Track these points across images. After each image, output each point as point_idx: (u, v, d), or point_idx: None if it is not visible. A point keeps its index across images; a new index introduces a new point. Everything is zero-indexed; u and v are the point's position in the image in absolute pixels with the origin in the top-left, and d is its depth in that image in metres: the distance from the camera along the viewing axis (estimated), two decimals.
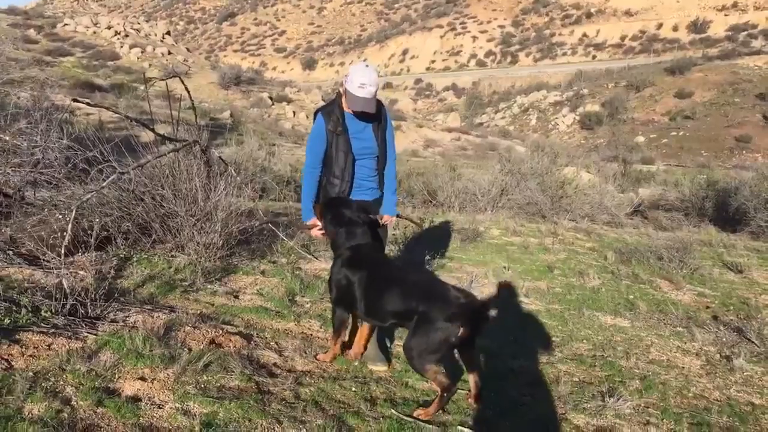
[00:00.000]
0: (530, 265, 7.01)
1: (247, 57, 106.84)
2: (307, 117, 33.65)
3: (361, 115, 3.84)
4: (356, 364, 3.94)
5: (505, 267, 6.69)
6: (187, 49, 47.88)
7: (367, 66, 3.79)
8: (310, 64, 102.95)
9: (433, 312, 3.27)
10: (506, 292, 5.84)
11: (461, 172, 13.86)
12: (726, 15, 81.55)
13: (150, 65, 35.47)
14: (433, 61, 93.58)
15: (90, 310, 3.92)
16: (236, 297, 4.82)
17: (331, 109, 3.88)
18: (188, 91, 6.56)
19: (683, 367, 4.36)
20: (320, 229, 3.93)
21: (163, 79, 7.09)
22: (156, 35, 43.90)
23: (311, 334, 4.34)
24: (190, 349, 3.67)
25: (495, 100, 66.33)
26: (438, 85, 79.32)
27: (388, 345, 4.34)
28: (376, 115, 3.89)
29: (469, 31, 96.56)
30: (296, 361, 3.86)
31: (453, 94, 75.50)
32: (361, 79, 3.68)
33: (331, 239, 3.91)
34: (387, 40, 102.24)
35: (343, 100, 3.87)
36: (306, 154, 3.94)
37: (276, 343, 4.09)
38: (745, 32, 73.93)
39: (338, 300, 3.77)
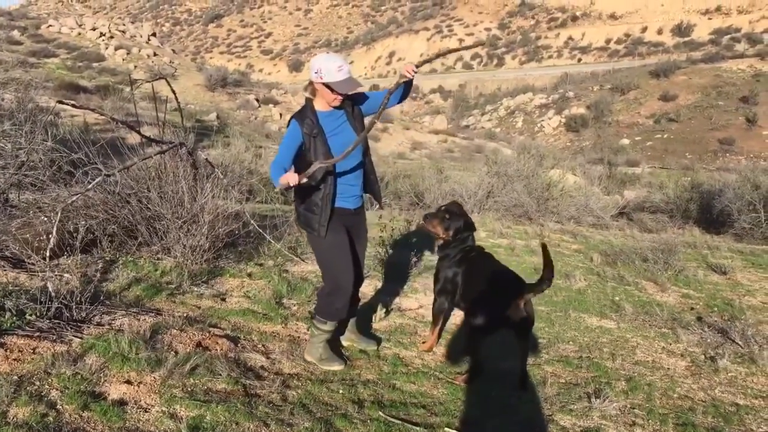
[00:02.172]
0: (517, 267, 7.00)
1: (233, 59, 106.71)
2: None
3: (345, 97, 3.76)
4: (347, 361, 3.95)
5: None
6: (173, 51, 47.71)
7: (327, 53, 3.77)
8: (296, 66, 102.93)
9: None
10: None
11: (448, 174, 13.90)
12: (710, 19, 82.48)
13: (135, 67, 35.29)
14: None
15: (75, 314, 3.89)
16: (223, 300, 4.80)
17: (304, 113, 3.78)
18: (174, 93, 6.53)
19: (668, 368, 4.39)
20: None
21: (148, 81, 7.07)
22: (141, 37, 43.64)
23: (298, 337, 4.33)
24: (176, 352, 3.65)
25: (481, 102, 66.63)
26: (424, 87, 79.56)
27: (376, 348, 4.34)
28: (349, 101, 3.87)
29: (455, 34, 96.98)
30: (283, 364, 3.86)
31: (439, 96, 75.84)
32: (335, 63, 3.62)
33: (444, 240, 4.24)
34: (374, 42, 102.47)
35: (316, 101, 3.80)
36: (278, 150, 3.80)
37: (263, 345, 4.09)
38: (729, 36, 74.81)
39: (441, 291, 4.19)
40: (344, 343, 4.35)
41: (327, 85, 3.64)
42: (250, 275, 5.43)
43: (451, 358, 4.31)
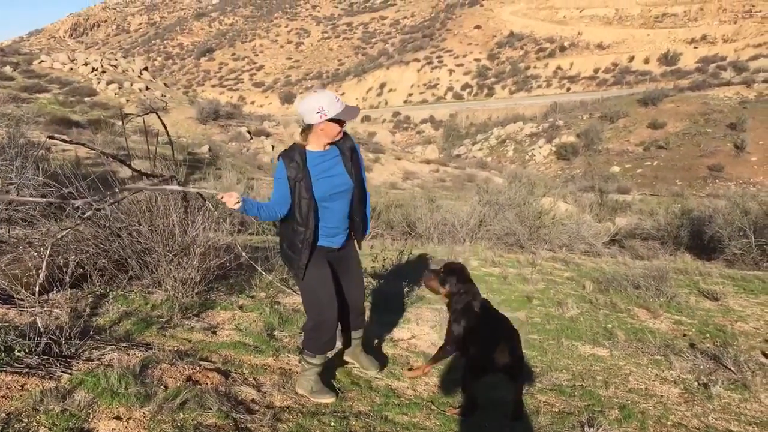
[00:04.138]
0: (509, 295, 7.03)
1: (225, 92, 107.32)
2: None
3: (341, 125, 3.74)
4: (338, 394, 3.92)
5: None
6: (165, 85, 47.93)
7: (315, 92, 3.71)
8: (288, 99, 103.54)
9: None
10: None
11: (440, 204, 13.95)
12: (695, 47, 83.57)
13: (127, 101, 35.45)
14: (410, 94, 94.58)
15: (65, 349, 3.86)
16: (214, 332, 4.77)
17: (292, 154, 3.72)
18: (165, 127, 6.56)
19: (662, 396, 4.38)
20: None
21: (140, 116, 7.10)
22: (134, 71, 43.92)
23: (290, 369, 4.30)
24: (166, 387, 3.62)
25: (472, 131, 67.02)
26: (416, 117, 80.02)
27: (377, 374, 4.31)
28: (344, 144, 3.86)
29: (445, 65, 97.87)
30: (275, 397, 3.83)
31: (431, 126, 76.19)
32: (330, 96, 3.63)
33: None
34: (365, 74, 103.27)
35: (311, 144, 3.76)
36: (274, 187, 3.78)
37: (254, 378, 4.06)
38: (714, 64, 75.66)
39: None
40: (347, 359, 4.39)
41: (333, 120, 3.64)
42: (241, 307, 5.41)
43: (443, 389, 4.29)
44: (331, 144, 3.80)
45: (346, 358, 4.44)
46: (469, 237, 10.79)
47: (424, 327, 5.56)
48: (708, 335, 5.82)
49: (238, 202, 3.55)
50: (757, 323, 6.23)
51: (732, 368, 4.79)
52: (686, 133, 45.25)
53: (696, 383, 4.61)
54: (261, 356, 4.45)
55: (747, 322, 6.29)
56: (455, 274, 4.18)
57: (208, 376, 3.87)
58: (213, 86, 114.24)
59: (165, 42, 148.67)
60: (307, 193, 3.68)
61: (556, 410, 4.06)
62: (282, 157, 3.74)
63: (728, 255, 10.53)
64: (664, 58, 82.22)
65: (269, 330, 4.96)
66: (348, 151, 3.88)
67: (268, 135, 36.23)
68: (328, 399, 3.90)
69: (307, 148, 3.76)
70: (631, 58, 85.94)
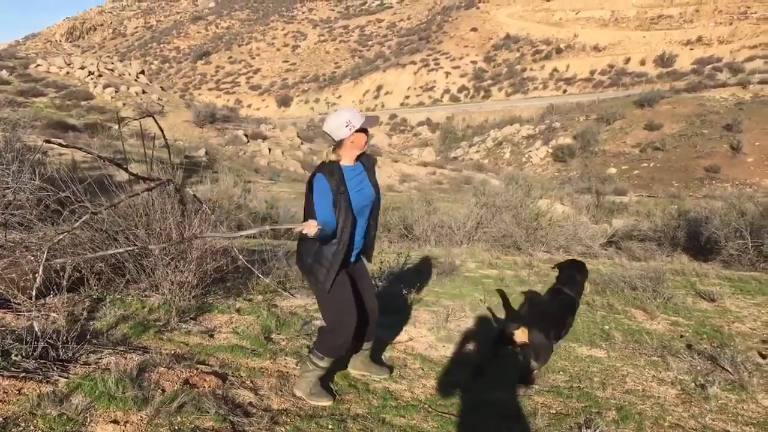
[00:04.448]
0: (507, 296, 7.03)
1: (221, 95, 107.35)
2: (283, 153, 33.71)
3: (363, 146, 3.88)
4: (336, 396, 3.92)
5: (481, 300, 6.70)
6: (162, 88, 47.93)
7: (336, 111, 3.82)
8: (285, 102, 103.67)
9: None
10: (483, 325, 5.85)
11: (437, 206, 13.94)
12: (691, 49, 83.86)
13: (124, 104, 35.44)
14: (407, 97, 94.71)
15: (62, 353, 3.86)
16: (211, 336, 4.77)
17: (331, 168, 3.76)
18: (161, 130, 6.56)
19: (659, 397, 4.38)
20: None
21: (136, 119, 7.10)
22: (130, 74, 43.92)
23: (287, 372, 4.30)
24: (163, 390, 3.62)
25: (469, 134, 67.12)
26: (412, 120, 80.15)
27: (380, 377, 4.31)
28: (365, 157, 3.97)
29: (442, 67, 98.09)
30: (272, 400, 3.83)
31: (427, 128, 76.32)
32: (352, 109, 3.79)
33: None
34: (361, 76, 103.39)
35: (343, 155, 3.82)
36: (317, 211, 3.70)
37: (251, 381, 4.05)
38: (710, 65, 76.02)
39: None
40: (354, 373, 4.40)
41: (359, 130, 3.75)
42: (238, 311, 5.40)
43: (441, 391, 4.29)
44: (359, 156, 3.90)
45: (353, 371, 4.43)
46: (467, 239, 10.80)
47: (421, 329, 5.56)
48: (705, 336, 5.83)
49: (318, 228, 3.54)
50: (754, 324, 6.23)
51: (729, 369, 4.79)
52: (682, 135, 45.37)
53: (693, 384, 4.61)
54: (258, 359, 4.45)
55: (744, 322, 6.30)
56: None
57: (205, 380, 3.86)
58: (210, 89, 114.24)
59: (161, 45, 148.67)
60: (346, 206, 3.72)
61: (554, 412, 4.06)
62: (321, 172, 3.74)
63: (725, 256, 10.54)
64: (660, 59, 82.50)
65: (266, 333, 4.96)
66: (369, 164, 4.01)
67: (264, 138, 36.24)
68: (326, 402, 3.90)
69: (341, 163, 3.83)
70: (627, 60, 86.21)
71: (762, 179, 36.87)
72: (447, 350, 5.11)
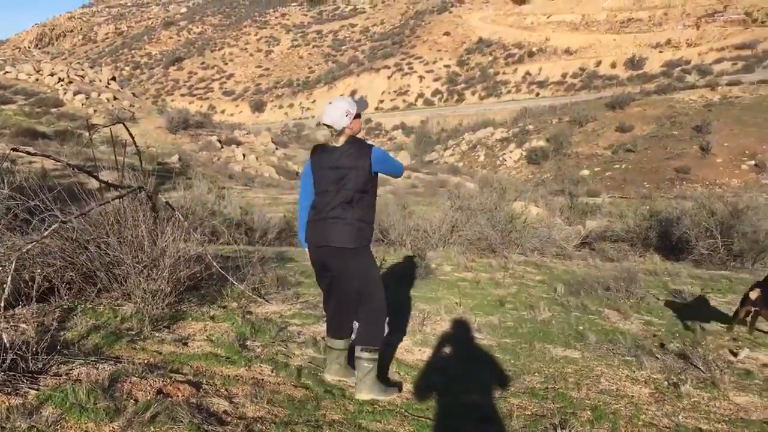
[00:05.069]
0: (482, 300, 7.06)
1: (195, 101, 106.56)
2: (257, 159, 33.54)
3: None
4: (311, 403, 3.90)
5: (457, 303, 6.72)
6: (134, 94, 47.43)
7: (330, 102, 4.13)
8: (258, 107, 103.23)
9: None
10: (459, 328, 5.87)
11: (412, 210, 13.95)
12: (660, 52, 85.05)
13: (95, 111, 35.01)
14: (381, 101, 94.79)
15: (31, 365, 3.78)
16: (185, 344, 4.72)
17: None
18: (132, 137, 6.49)
19: (633, 396, 4.43)
20: None
21: (107, 126, 7.01)
22: (101, 81, 43.40)
23: (262, 379, 4.27)
24: (136, 401, 3.57)
25: (443, 137, 67.41)
26: (387, 124, 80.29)
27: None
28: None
29: (415, 72, 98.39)
30: (247, 408, 3.79)
31: (402, 132, 76.51)
32: (347, 98, 4.17)
33: None
34: (335, 81, 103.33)
35: (342, 140, 4.10)
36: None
37: (226, 389, 4.01)
38: (679, 68, 77.14)
39: None
40: (331, 379, 4.39)
41: (358, 115, 4.14)
42: (213, 318, 5.35)
43: (417, 395, 4.29)
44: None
45: (329, 377, 4.44)
46: (442, 242, 10.82)
47: (398, 333, 5.56)
48: (677, 335, 5.91)
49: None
50: (725, 322, 6.33)
51: (701, 367, 4.86)
52: (653, 136, 45.96)
53: (666, 383, 4.67)
54: (233, 367, 4.41)
55: (715, 321, 6.40)
56: None
57: (179, 389, 3.82)
58: (182, 95, 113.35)
59: (133, 51, 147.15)
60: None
61: (529, 413, 4.08)
62: (373, 145, 4.17)
63: (696, 255, 10.70)
64: (631, 62, 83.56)
65: (241, 340, 4.92)
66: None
67: (239, 144, 36.04)
68: (397, 390, 4.23)
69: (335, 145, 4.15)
70: (598, 63, 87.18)
71: (731, 179, 37.49)
72: (423, 354, 5.12)
